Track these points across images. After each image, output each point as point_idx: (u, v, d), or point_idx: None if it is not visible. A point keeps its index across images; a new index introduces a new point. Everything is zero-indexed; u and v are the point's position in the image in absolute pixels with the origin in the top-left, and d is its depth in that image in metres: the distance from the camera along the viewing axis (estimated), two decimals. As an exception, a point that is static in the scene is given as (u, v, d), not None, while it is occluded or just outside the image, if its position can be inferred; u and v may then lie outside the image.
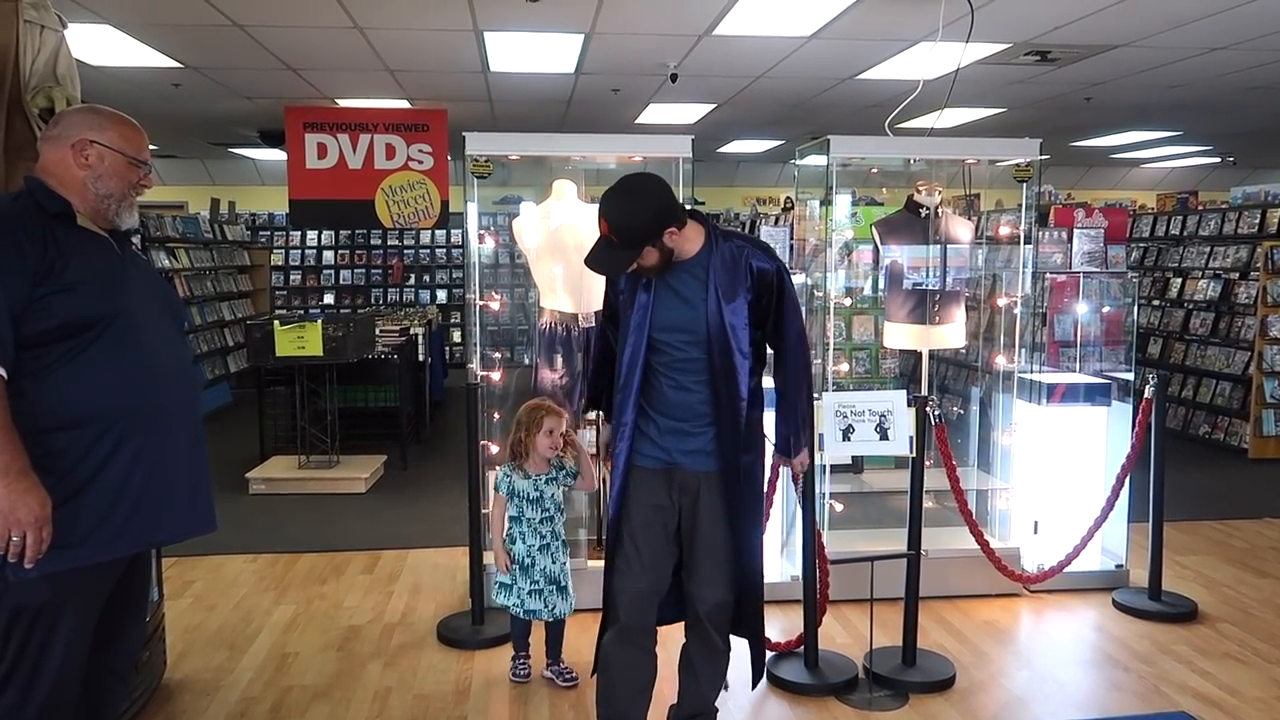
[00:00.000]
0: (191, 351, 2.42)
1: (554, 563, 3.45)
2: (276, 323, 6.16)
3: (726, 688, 2.97)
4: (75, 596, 2.19)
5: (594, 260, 2.62)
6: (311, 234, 12.83)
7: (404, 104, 8.35)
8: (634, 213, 2.54)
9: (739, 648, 2.91)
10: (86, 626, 2.24)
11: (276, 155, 10.58)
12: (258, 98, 7.99)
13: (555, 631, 3.55)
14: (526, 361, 5.45)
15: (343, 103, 8.28)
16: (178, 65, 6.62)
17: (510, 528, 3.46)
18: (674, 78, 6.87)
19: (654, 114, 8.78)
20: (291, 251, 12.89)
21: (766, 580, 4.00)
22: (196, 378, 2.58)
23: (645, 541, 2.75)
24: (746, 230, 10.09)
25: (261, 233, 12.86)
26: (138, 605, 2.49)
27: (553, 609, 3.46)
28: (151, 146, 9.72)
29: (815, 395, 3.66)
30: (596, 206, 2.54)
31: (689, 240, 2.67)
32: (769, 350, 2.85)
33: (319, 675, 3.63)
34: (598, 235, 2.62)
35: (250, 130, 9.71)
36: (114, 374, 2.21)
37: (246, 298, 10.94)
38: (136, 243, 2.79)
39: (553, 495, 3.47)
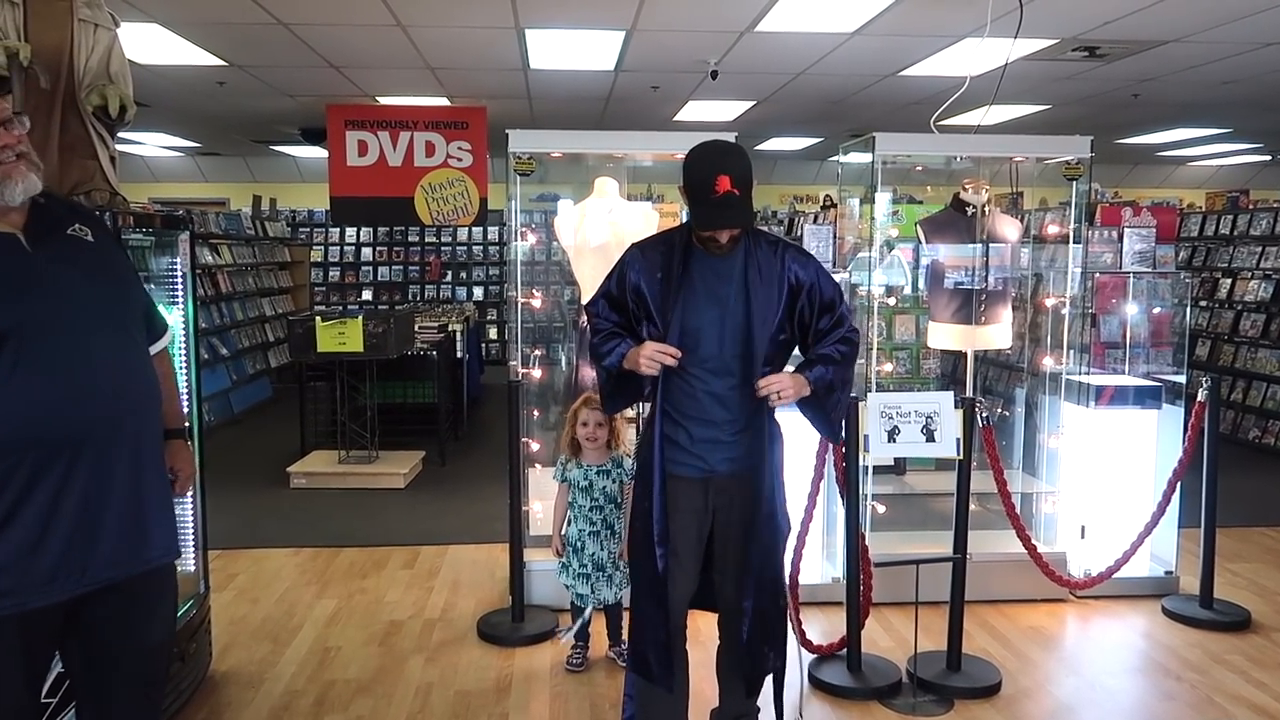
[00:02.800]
0: (141, 353, 2.20)
1: (601, 550, 3.56)
2: (318, 319, 6.21)
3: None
4: None
5: (723, 218, 2.50)
6: (350, 231, 12.94)
7: (444, 102, 8.39)
8: (742, 161, 2.52)
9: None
10: (14, 680, 1.98)
11: (317, 153, 10.68)
12: (300, 96, 8.07)
13: (613, 615, 3.70)
14: (564, 359, 5.45)
15: (384, 100, 8.34)
16: (223, 64, 6.70)
17: (569, 510, 3.61)
18: (714, 75, 6.84)
19: (693, 111, 8.74)
20: (331, 248, 13.01)
21: (809, 582, 4.01)
22: (145, 387, 2.16)
23: (685, 548, 2.72)
24: (787, 228, 10.03)
25: (302, 229, 12.99)
26: (116, 657, 2.13)
27: (597, 594, 3.58)
28: (194, 144, 9.71)
29: (859, 398, 3.63)
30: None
31: None
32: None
33: (361, 670, 3.65)
34: (711, 210, 2.50)
35: (292, 128, 9.82)
36: (16, 399, 1.88)
37: (287, 294, 11.07)
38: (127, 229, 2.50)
39: (604, 488, 3.56)
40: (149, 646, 2.21)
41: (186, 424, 2.37)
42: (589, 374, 4.50)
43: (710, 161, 2.51)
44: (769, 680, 2.88)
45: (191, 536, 3.44)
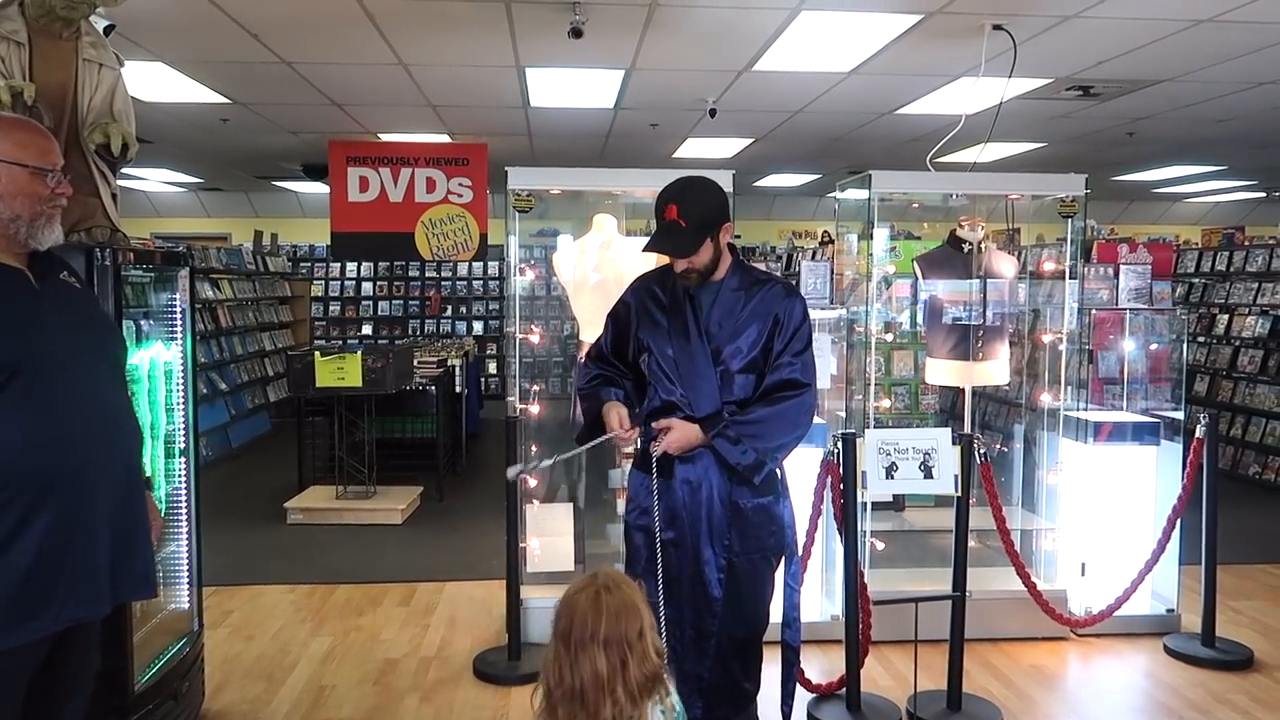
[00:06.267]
0: (127, 396, 2.33)
1: None
2: (317, 354, 6.21)
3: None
4: None
5: (659, 242, 2.61)
6: (351, 266, 12.99)
7: (445, 138, 8.46)
8: (701, 196, 2.61)
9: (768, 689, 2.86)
10: (9, 713, 2.01)
11: (318, 188, 10.76)
12: (302, 132, 8.15)
13: None
14: (563, 394, 5.45)
15: (385, 137, 8.41)
16: (226, 101, 6.77)
17: None
18: (713, 113, 6.90)
19: (692, 148, 8.82)
20: (331, 283, 13.06)
21: (806, 620, 3.96)
22: (132, 426, 2.26)
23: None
24: (785, 264, 10.07)
25: (302, 264, 13.05)
26: (71, 689, 2.18)
27: None
28: (196, 179, 9.84)
29: (858, 434, 3.62)
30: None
31: (723, 260, 2.71)
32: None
33: (356, 709, 3.61)
34: (654, 235, 2.64)
35: (294, 164, 9.89)
36: (23, 434, 1.93)
37: (287, 328, 11.09)
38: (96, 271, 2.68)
39: None
40: (95, 672, 2.30)
41: (149, 476, 2.44)
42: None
43: (667, 193, 2.64)
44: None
45: (186, 573, 3.42)
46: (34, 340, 1.98)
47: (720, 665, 2.68)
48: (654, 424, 2.63)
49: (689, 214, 2.57)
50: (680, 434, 2.61)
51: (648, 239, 2.69)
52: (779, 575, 2.81)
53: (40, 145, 2.07)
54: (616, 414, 2.67)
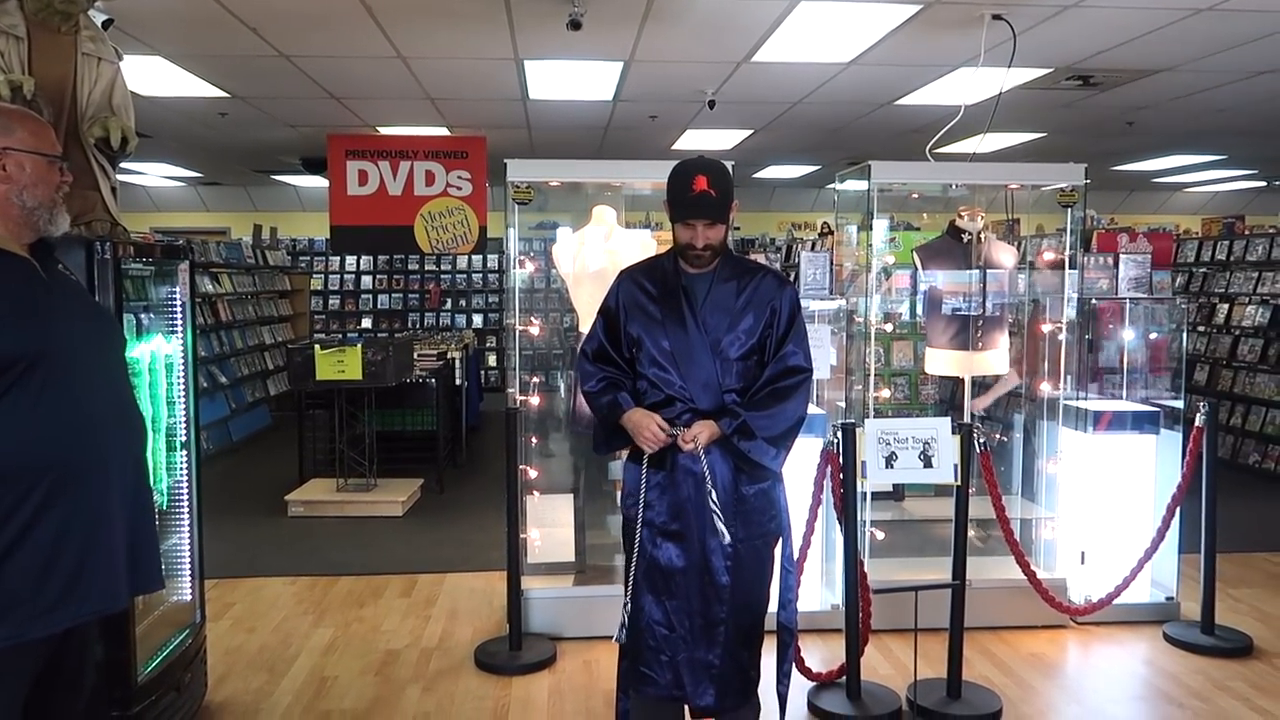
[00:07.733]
0: (132, 387, 2.34)
1: None
2: (317, 347, 6.22)
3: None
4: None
5: (700, 209, 2.62)
6: (350, 259, 12.97)
7: (444, 131, 8.45)
8: (723, 171, 2.67)
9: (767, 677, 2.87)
10: (12, 709, 2.00)
11: (317, 182, 10.75)
12: (301, 126, 8.14)
13: None
14: (563, 386, 5.46)
15: (384, 130, 8.40)
16: (225, 95, 6.76)
17: None
18: (712, 104, 6.90)
19: (691, 140, 8.81)
20: (330, 276, 13.04)
21: (806, 609, 3.99)
22: (138, 417, 2.26)
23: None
24: (784, 255, 10.08)
25: (302, 258, 13.04)
26: (71, 686, 2.17)
27: None
28: (195, 174, 9.85)
29: (857, 423, 3.63)
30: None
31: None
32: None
33: (358, 699, 3.63)
34: (688, 203, 2.63)
35: (293, 158, 9.88)
36: (39, 423, 1.93)
37: (286, 322, 11.09)
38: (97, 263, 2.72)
39: None
40: (96, 663, 2.31)
41: None
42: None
43: (690, 166, 2.68)
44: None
45: (188, 565, 3.44)
46: (50, 329, 2.00)
47: (729, 653, 2.69)
48: (681, 434, 2.63)
49: (718, 185, 2.63)
50: (708, 434, 2.64)
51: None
52: (776, 558, 2.83)
53: (48, 135, 2.15)
54: (654, 421, 2.65)
